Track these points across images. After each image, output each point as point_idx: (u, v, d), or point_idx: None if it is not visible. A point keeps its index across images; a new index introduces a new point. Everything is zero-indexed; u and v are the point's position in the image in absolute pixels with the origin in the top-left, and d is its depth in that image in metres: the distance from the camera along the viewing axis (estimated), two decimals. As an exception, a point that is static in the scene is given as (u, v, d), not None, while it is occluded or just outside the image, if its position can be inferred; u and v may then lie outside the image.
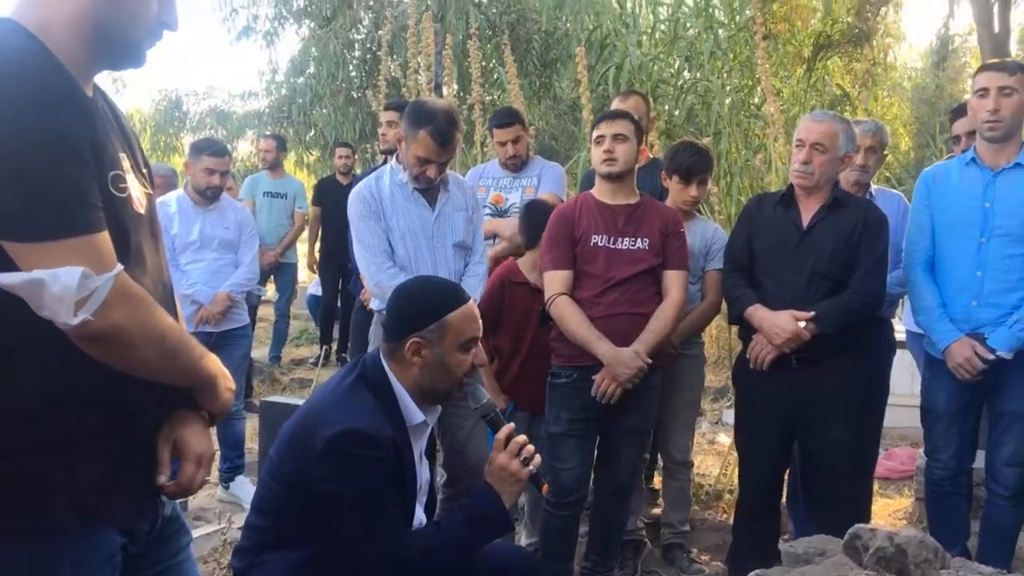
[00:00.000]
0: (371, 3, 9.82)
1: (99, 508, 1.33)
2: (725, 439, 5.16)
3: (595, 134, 3.05)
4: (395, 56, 7.68)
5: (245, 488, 4.23)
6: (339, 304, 7.39)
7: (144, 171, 1.48)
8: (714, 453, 5.06)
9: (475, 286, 3.08)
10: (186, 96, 11.40)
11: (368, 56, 9.75)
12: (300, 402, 3.03)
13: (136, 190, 1.39)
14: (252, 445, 4.85)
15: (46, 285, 1.16)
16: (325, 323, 7.86)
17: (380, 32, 9.35)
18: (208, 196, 4.17)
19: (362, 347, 3.86)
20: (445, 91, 5.31)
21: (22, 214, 1.17)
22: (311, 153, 11.11)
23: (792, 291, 2.92)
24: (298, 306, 9.95)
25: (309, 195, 7.69)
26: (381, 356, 2.03)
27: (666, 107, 8.77)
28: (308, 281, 8.94)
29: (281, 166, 7.49)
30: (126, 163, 1.38)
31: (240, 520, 3.38)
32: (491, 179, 4.24)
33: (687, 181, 3.43)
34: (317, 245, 7.75)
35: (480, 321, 2.08)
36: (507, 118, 4.11)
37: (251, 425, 5.22)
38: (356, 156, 8.06)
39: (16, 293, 1.18)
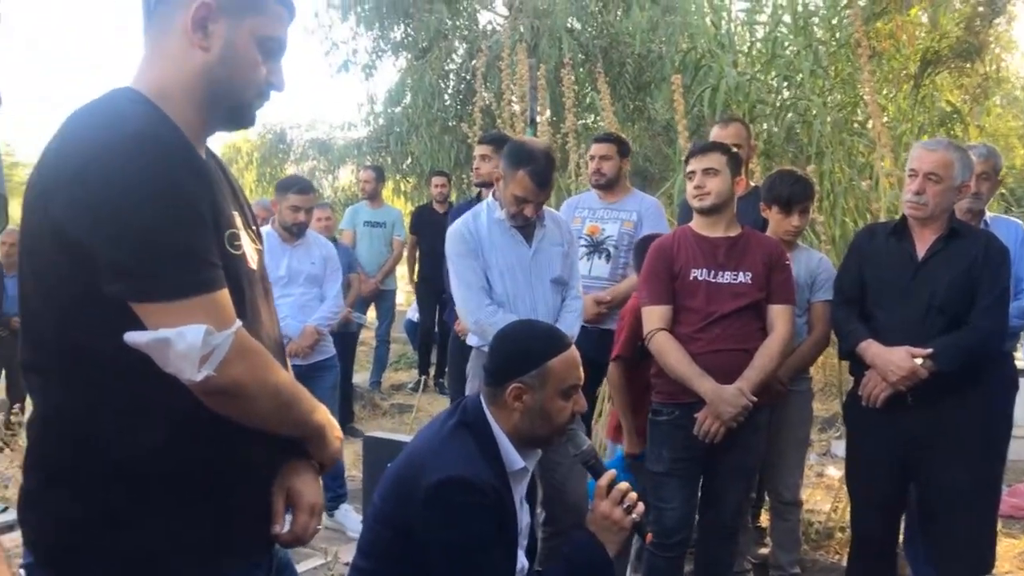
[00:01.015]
0: (465, 34, 9.99)
1: (218, 559, 1.37)
2: (835, 472, 4.96)
3: (687, 168, 3.01)
4: (489, 85, 7.76)
5: (349, 516, 4.31)
6: (436, 330, 7.49)
7: (254, 228, 1.53)
8: (823, 487, 4.87)
9: (572, 322, 3.06)
10: (290, 128, 11.83)
11: (462, 85, 9.91)
12: (402, 438, 3.07)
13: (249, 247, 1.43)
14: (354, 472, 4.95)
15: (172, 344, 1.21)
16: (423, 350, 7.98)
17: (474, 62, 9.51)
18: (294, 232, 4.30)
19: (459, 378, 3.89)
20: (539, 119, 5.33)
21: (149, 276, 1.23)
22: (408, 181, 11.35)
23: (907, 326, 2.79)
24: (396, 329, 10.16)
25: (407, 222, 7.85)
26: (482, 400, 2.03)
27: (764, 127, 8.59)
28: (407, 304, 9.09)
29: (380, 196, 7.67)
30: (239, 221, 1.43)
31: (345, 553, 3.44)
32: (587, 209, 4.22)
33: (787, 211, 3.33)
34: (415, 269, 7.89)
35: (581, 368, 2.06)
36: (605, 136, 4.17)
37: (352, 450, 5.33)
38: (451, 184, 8.17)
39: (143, 351, 1.23)
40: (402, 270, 8.22)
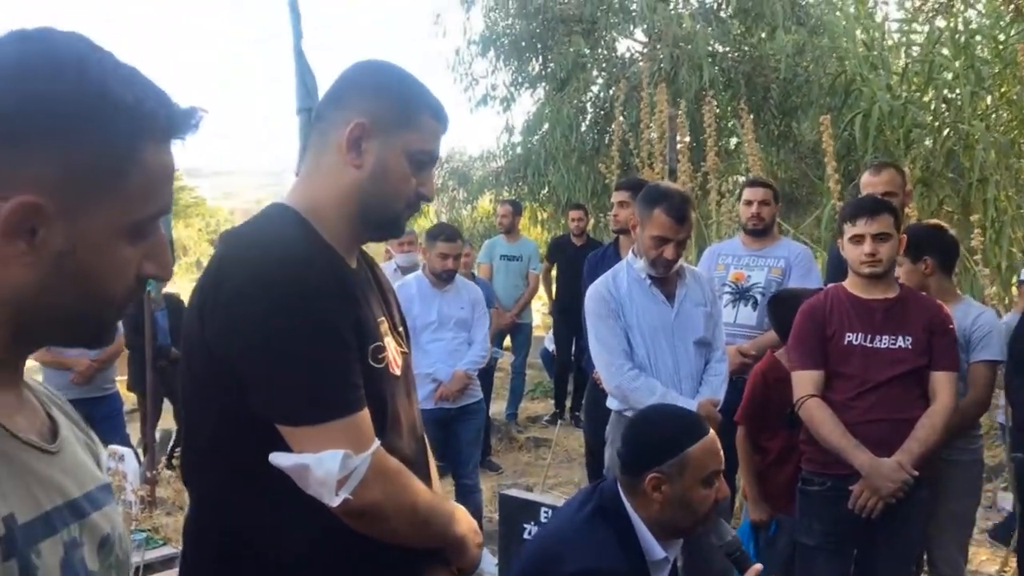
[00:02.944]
0: (603, 65, 9.98)
1: None
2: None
3: (851, 231, 2.81)
4: (627, 116, 7.69)
5: (486, 559, 4.33)
6: (572, 359, 7.46)
7: (400, 329, 1.55)
8: (987, 545, 4.50)
9: (717, 386, 2.96)
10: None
11: (601, 115, 9.89)
12: (536, 499, 3.05)
13: (393, 353, 1.46)
14: (491, 510, 4.98)
15: (311, 469, 1.25)
16: (559, 383, 7.98)
17: (612, 90, 9.48)
18: (443, 278, 4.39)
19: (594, 419, 3.93)
20: (679, 161, 5.23)
21: (292, 400, 1.27)
22: (544, 210, 11.41)
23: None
24: (532, 355, 10.21)
25: (543, 252, 7.90)
26: (619, 488, 1.99)
27: (921, 152, 8.12)
28: (543, 328, 9.11)
29: (517, 229, 7.75)
30: (384, 326, 1.46)
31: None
32: (731, 256, 4.11)
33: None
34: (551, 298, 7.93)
35: (721, 453, 1.98)
36: (761, 181, 4.11)
37: (489, 487, 5.37)
38: (588, 216, 8.16)
39: (286, 473, 1.27)
40: (539, 296, 8.26)
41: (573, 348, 7.38)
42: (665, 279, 3.00)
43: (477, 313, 4.52)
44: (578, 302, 4.10)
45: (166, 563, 3.56)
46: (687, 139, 5.79)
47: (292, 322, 1.26)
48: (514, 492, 3.23)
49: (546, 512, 2.83)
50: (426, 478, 1.50)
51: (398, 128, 1.41)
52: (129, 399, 6.73)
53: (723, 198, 5.25)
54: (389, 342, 1.45)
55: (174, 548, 3.60)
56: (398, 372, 1.47)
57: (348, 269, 1.42)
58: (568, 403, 7.87)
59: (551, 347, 8.28)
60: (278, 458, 1.27)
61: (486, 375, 6.35)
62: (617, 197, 4.32)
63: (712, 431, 1.99)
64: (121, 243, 0.82)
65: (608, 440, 3.16)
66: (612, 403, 3.13)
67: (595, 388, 4.06)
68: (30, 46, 0.78)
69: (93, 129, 0.77)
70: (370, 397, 1.34)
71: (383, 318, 1.47)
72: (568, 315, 7.06)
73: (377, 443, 1.31)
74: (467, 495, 4.38)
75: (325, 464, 1.24)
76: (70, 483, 0.83)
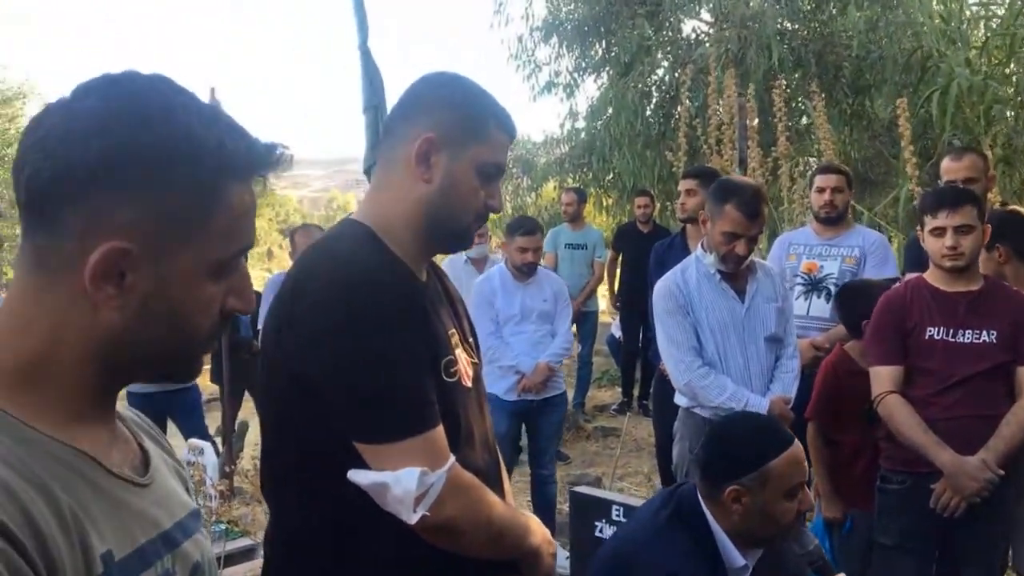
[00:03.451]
0: (668, 47, 9.79)
1: None
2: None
3: (931, 223, 2.70)
4: (693, 99, 7.55)
5: (558, 554, 4.35)
6: (639, 347, 7.40)
7: (470, 339, 1.56)
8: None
9: (788, 384, 2.91)
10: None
11: (666, 100, 9.72)
12: (607, 496, 3.04)
13: (464, 364, 1.47)
14: (562, 502, 4.98)
15: (390, 487, 1.27)
16: (626, 371, 7.94)
17: (677, 73, 9.30)
18: (524, 272, 4.39)
19: (662, 422, 3.91)
20: (748, 151, 5.12)
21: (369, 418, 1.30)
22: (609, 196, 11.30)
23: None
24: (599, 342, 10.17)
25: (607, 238, 7.83)
26: (698, 495, 1.96)
27: (1003, 129, 7.77)
28: (608, 314, 9.05)
29: (581, 217, 7.71)
30: (455, 338, 1.47)
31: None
32: (802, 245, 4.01)
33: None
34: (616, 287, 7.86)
35: (805, 464, 1.93)
36: (834, 167, 4.01)
37: (560, 476, 5.37)
38: (654, 203, 8.05)
39: (364, 490, 1.29)
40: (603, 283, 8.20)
41: (640, 337, 7.32)
42: (735, 274, 2.95)
43: (560, 305, 4.51)
44: (644, 290, 4.07)
45: (246, 554, 3.65)
46: (755, 122, 5.65)
47: (367, 340, 1.28)
48: (585, 489, 3.22)
49: (617, 510, 2.82)
50: (499, 489, 1.51)
51: (467, 141, 1.42)
52: (209, 389, 6.93)
53: (794, 183, 5.12)
54: (460, 354, 1.47)
55: (253, 540, 3.70)
56: (469, 384, 1.48)
57: (419, 283, 1.44)
58: (635, 391, 7.83)
59: (618, 333, 8.23)
60: (356, 475, 1.29)
61: (581, 380, 6.28)
62: (684, 185, 4.26)
63: (796, 442, 1.94)
64: (206, 281, 0.84)
65: (676, 436, 3.13)
66: (680, 399, 3.10)
67: (662, 382, 4.02)
68: (116, 91, 0.80)
69: (179, 175, 0.80)
70: (443, 412, 1.35)
71: (454, 330, 1.48)
72: (634, 304, 7.00)
73: (452, 459, 1.33)
74: (542, 486, 4.42)
75: (403, 482, 1.26)
76: (162, 514, 0.86)
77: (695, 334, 2.92)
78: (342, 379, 1.29)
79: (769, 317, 2.94)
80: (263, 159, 0.86)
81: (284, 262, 39.04)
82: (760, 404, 2.80)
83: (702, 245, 3.06)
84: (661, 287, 3.04)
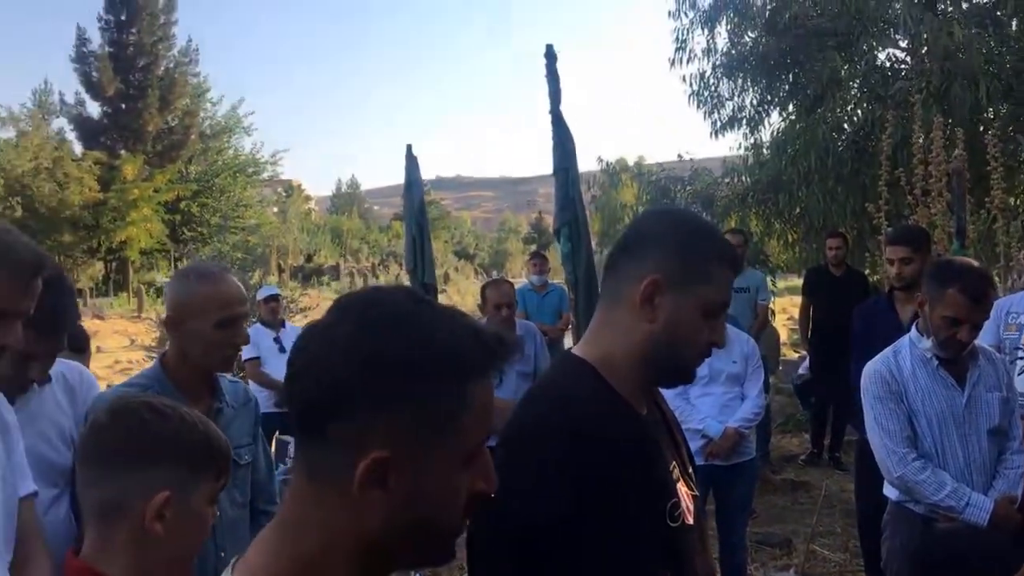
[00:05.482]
0: (859, 79, 9.36)
1: None
2: None
3: None
4: (892, 138, 7.17)
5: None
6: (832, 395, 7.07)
7: (690, 471, 1.57)
8: None
9: (1015, 480, 2.72)
10: (672, 183, 12.00)
11: (860, 135, 9.27)
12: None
13: (686, 502, 1.47)
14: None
15: None
16: (817, 419, 7.63)
17: (870, 106, 8.84)
18: None
19: (866, 496, 3.71)
20: (968, 220, 4.79)
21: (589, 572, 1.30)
22: (795, 233, 10.89)
23: None
24: (781, 380, 9.74)
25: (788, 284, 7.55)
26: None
27: None
28: (789, 346, 8.67)
29: (745, 260, 7.50)
30: (676, 472, 1.48)
31: None
32: (1023, 313, 3.72)
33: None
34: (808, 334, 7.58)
35: None
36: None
37: (750, 530, 5.20)
38: (848, 245, 7.71)
39: None
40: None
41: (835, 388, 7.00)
42: (955, 360, 2.81)
43: (751, 367, 4.37)
44: (839, 337, 3.83)
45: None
46: (966, 173, 5.31)
47: (588, 496, 1.29)
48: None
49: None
50: None
51: (693, 283, 1.43)
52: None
53: (1013, 241, 4.77)
54: (682, 490, 1.47)
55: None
56: (691, 521, 1.47)
57: (639, 419, 1.46)
58: (826, 441, 7.49)
59: (804, 371, 7.92)
60: None
61: (761, 428, 6.09)
62: (899, 253, 4.02)
63: None
64: (458, 473, 0.94)
65: (885, 533, 2.99)
66: (890, 491, 2.97)
67: (868, 455, 3.85)
68: (370, 315, 0.92)
69: (429, 383, 0.90)
70: (670, 556, 1.36)
71: (674, 464, 1.49)
72: (827, 355, 6.72)
73: None
74: (731, 554, 4.30)
75: None
76: None
77: (909, 423, 2.80)
78: (563, 533, 1.28)
79: (992, 408, 2.78)
80: (497, 355, 0.95)
81: (460, 284, 40.15)
82: (983, 504, 2.64)
83: (917, 327, 2.93)
84: (871, 371, 2.93)
